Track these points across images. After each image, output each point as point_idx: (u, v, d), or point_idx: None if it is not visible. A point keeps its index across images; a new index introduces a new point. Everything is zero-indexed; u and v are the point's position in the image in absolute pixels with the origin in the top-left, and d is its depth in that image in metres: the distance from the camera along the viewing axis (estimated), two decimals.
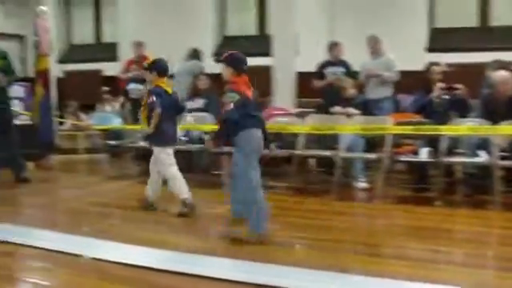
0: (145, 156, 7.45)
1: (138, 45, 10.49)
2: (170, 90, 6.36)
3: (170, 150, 6.35)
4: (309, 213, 6.40)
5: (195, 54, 10.19)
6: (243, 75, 5.17)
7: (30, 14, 12.33)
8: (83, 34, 16.08)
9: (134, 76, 9.64)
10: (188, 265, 4.37)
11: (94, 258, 4.58)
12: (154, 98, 6.19)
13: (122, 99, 10.53)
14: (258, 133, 5.08)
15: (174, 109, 6.38)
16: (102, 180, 8.54)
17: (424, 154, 6.84)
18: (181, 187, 6.25)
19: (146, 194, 6.49)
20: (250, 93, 5.14)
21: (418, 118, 7.29)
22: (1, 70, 7.82)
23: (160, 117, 6.16)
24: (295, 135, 7.64)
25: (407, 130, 6.92)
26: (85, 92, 13.29)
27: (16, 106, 11.39)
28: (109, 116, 8.97)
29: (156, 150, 6.35)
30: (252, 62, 11.60)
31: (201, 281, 4.10)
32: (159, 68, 6.33)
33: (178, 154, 8.54)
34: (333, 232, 5.63)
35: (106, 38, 15.68)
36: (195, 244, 5.08)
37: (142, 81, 9.33)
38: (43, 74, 9.97)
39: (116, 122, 9.00)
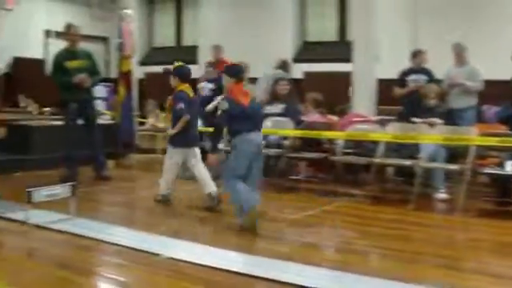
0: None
1: (217, 49, 10.62)
2: (191, 94, 6.75)
3: (196, 150, 6.78)
4: (386, 222, 6.28)
5: (283, 65, 10.21)
6: (240, 84, 5.79)
7: (115, 17, 12.70)
8: (164, 37, 16.43)
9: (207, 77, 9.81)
10: (262, 269, 4.36)
11: (171, 258, 4.64)
12: (182, 105, 6.58)
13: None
14: (253, 136, 5.61)
15: (196, 112, 6.77)
16: (183, 181, 8.64)
17: (509, 167, 6.61)
18: (168, 183, 6.80)
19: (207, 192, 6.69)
20: (245, 100, 5.69)
21: (503, 129, 7.06)
22: (85, 71, 8.05)
23: (186, 123, 6.60)
24: (374, 143, 7.54)
25: (492, 141, 6.71)
26: (165, 93, 13.51)
27: (99, 106, 11.78)
28: None
29: (172, 150, 6.75)
30: (332, 67, 11.62)
31: (274, 285, 4.08)
32: (181, 74, 6.74)
33: None
34: (410, 243, 5.51)
35: (187, 41, 15.96)
36: (269, 248, 5.08)
37: (213, 80, 9.52)
38: (126, 76, 10.24)
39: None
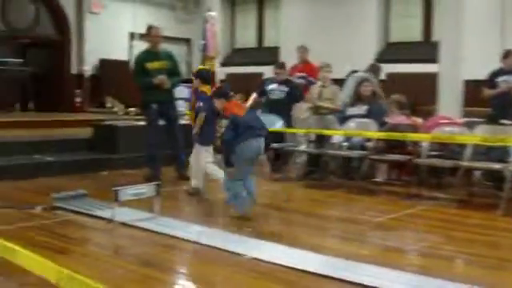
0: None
1: (302, 49, 10.60)
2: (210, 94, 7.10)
3: (209, 148, 7.34)
4: (473, 227, 6.12)
5: (373, 69, 10.13)
6: (231, 101, 6.41)
7: (198, 19, 12.93)
8: (246, 38, 16.58)
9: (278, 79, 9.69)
10: (347, 272, 4.34)
11: (253, 258, 4.69)
12: (201, 104, 7.26)
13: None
14: (255, 142, 6.10)
15: (215, 113, 7.04)
16: (263, 181, 8.71)
17: None
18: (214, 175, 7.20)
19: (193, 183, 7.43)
20: (242, 111, 6.30)
21: None
22: (166, 72, 8.22)
23: (203, 120, 7.17)
24: (461, 145, 7.37)
25: None
26: (246, 94, 13.64)
27: (181, 107, 11.98)
28: (272, 118, 9.13)
29: (198, 147, 7.33)
30: (416, 68, 11.45)
31: None
32: (203, 76, 7.51)
33: (337, 160, 8.63)
34: (498, 249, 5.35)
35: (268, 42, 16.06)
36: (350, 250, 5.05)
37: (284, 83, 9.44)
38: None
39: (278, 125, 9.14)
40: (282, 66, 9.80)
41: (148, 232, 5.53)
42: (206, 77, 7.55)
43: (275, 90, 9.54)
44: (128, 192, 5.90)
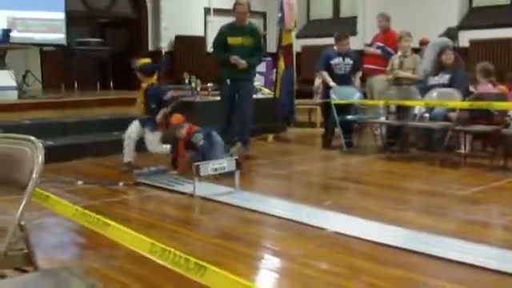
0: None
1: (384, 18, 10.33)
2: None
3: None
4: None
5: (448, 32, 9.88)
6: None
7: None
8: (321, 8, 16.42)
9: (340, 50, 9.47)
10: (433, 246, 4.29)
11: (336, 232, 4.71)
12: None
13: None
14: None
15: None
16: (340, 154, 8.70)
17: None
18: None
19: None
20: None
21: None
22: (248, 48, 8.12)
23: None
24: None
25: None
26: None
27: (258, 81, 12.05)
28: (350, 91, 9.07)
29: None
30: (503, 33, 11.05)
31: (437, 262, 4.01)
32: (144, 70, 7.44)
33: (418, 132, 8.49)
34: None
35: (345, 12, 15.85)
36: (436, 224, 4.97)
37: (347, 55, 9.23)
38: (286, 50, 10.39)
39: (356, 97, 9.06)
40: (345, 36, 9.28)
41: (229, 206, 5.63)
42: (148, 70, 7.50)
43: (340, 65, 9.22)
44: (209, 167, 6.02)
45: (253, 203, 5.62)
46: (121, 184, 6.52)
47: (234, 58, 8.04)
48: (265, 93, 11.68)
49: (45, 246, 4.32)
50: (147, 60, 7.68)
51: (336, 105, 8.78)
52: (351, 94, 8.98)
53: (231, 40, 8.15)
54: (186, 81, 10.60)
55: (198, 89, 10.37)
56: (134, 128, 7.31)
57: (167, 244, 2.21)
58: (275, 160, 8.40)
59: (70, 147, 8.25)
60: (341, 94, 8.91)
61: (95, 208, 5.29)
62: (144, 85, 7.40)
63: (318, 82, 11.56)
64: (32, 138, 2.71)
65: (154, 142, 7.21)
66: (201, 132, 7.04)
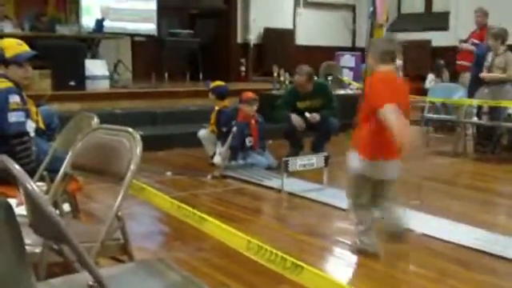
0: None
1: (480, 13, 10.03)
2: None
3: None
4: None
5: None
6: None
7: None
8: (413, 2, 16.11)
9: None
10: None
11: (424, 234, 4.65)
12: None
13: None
14: None
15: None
16: (429, 154, 8.55)
17: None
18: None
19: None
20: None
21: None
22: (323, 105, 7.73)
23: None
24: None
25: None
26: (413, 63, 13.36)
27: (345, 76, 11.98)
28: (452, 87, 8.84)
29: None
30: None
31: None
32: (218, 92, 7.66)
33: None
34: None
35: (437, 6, 15.49)
36: None
37: None
38: None
39: (458, 95, 8.81)
40: None
41: (316, 203, 5.66)
42: (221, 93, 7.66)
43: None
44: (297, 162, 6.06)
45: (341, 200, 5.57)
46: (209, 177, 6.64)
47: (312, 116, 7.52)
48: (354, 87, 11.59)
49: (134, 236, 4.44)
50: (220, 83, 7.78)
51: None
52: (453, 91, 8.76)
53: (300, 104, 7.70)
54: (275, 74, 10.64)
55: (287, 82, 10.38)
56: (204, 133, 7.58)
57: (256, 239, 2.26)
58: None
59: (159, 138, 8.45)
60: (441, 91, 8.74)
61: (183, 199, 5.41)
62: (217, 107, 7.52)
63: (430, 77, 11.43)
64: (130, 129, 2.80)
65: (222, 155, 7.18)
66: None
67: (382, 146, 4.00)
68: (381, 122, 3.87)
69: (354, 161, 4.17)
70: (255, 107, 7.29)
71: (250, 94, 7.41)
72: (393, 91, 3.97)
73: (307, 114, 7.52)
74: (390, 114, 3.79)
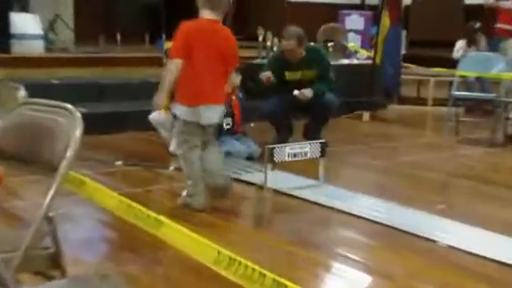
0: None
1: None
2: None
3: None
4: None
5: None
6: None
7: None
8: None
9: None
10: None
11: (451, 246, 4.64)
12: None
13: None
14: None
15: None
16: (458, 143, 8.56)
17: None
18: None
19: None
20: None
21: None
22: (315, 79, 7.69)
23: None
24: None
25: None
26: (438, 25, 13.39)
27: (353, 41, 11.95)
28: (490, 58, 8.83)
29: None
30: None
31: None
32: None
33: None
34: None
35: None
36: None
37: None
38: (393, 2, 10.25)
39: (498, 68, 8.77)
40: None
41: (309, 203, 5.63)
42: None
43: None
44: (285, 151, 5.99)
45: (341, 201, 5.60)
46: (171, 168, 6.59)
47: (300, 93, 7.47)
48: (361, 56, 11.58)
49: (70, 244, 4.38)
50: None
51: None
52: (490, 63, 8.75)
53: (290, 75, 7.69)
54: (261, 38, 10.58)
55: (275, 49, 10.33)
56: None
57: (229, 250, 2.22)
58: (371, 146, 8.36)
59: (108, 117, 8.42)
60: (474, 63, 8.74)
61: (136, 197, 5.37)
62: None
63: (460, 44, 11.43)
64: (68, 105, 2.74)
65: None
66: None
67: (197, 92, 5.26)
68: (191, 70, 5.18)
69: (176, 107, 5.48)
70: (239, 77, 7.24)
71: None
72: (192, 41, 5.23)
73: (295, 92, 7.43)
74: (170, 67, 5.27)
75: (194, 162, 5.32)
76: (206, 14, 5.33)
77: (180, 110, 5.39)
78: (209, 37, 5.33)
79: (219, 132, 6.99)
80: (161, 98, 5.31)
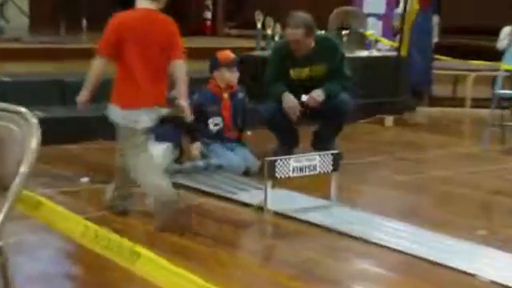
0: None
1: None
2: None
3: None
4: None
5: None
6: None
7: None
8: None
9: None
10: None
11: (493, 282, 4.65)
12: None
13: None
14: None
15: None
16: (504, 154, 8.59)
17: None
18: None
19: None
20: None
21: None
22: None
23: None
24: None
25: None
26: (479, 8, 13.44)
27: (371, 28, 11.97)
28: None
29: None
30: None
31: None
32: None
33: None
34: None
35: None
36: None
37: None
38: None
39: None
40: None
41: (317, 228, 5.66)
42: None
43: None
44: (290, 165, 6.01)
45: (357, 226, 5.62)
46: None
47: (310, 97, 7.52)
48: (383, 47, 11.62)
49: (24, 280, 4.41)
50: None
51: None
52: None
53: (295, 72, 7.78)
54: (259, 25, 10.62)
55: (276, 38, 10.38)
56: None
57: (222, 286, 2.25)
58: (395, 158, 8.39)
59: (71, 122, 8.45)
60: None
61: (105, 222, 5.40)
62: None
63: (507, 31, 11.48)
64: (22, 109, 2.76)
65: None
66: None
67: (131, 94, 5.61)
68: (125, 68, 5.60)
69: (113, 111, 5.76)
70: (237, 74, 7.29)
71: (230, 54, 7.44)
72: (125, 35, 5.61)
73: (304, 98, 7.49)
74: (93, 64, 5.71)
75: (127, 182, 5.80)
76: (142, 3, 5.64)
77: (115, 113, 5.72)
78: (145, 29, 5.66)
79: (206, 135, 7.04)
80: (84, 96, 5.78)
